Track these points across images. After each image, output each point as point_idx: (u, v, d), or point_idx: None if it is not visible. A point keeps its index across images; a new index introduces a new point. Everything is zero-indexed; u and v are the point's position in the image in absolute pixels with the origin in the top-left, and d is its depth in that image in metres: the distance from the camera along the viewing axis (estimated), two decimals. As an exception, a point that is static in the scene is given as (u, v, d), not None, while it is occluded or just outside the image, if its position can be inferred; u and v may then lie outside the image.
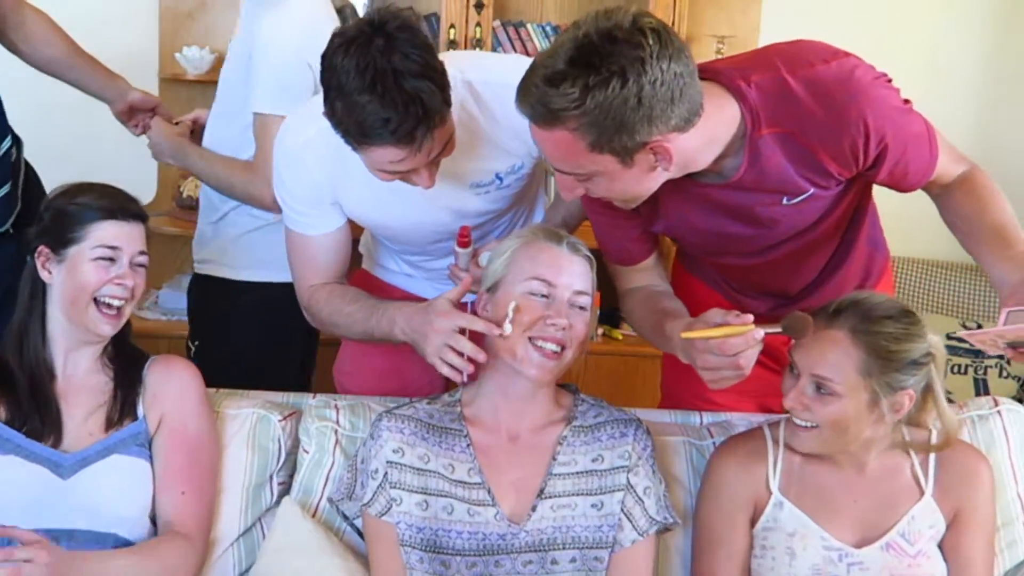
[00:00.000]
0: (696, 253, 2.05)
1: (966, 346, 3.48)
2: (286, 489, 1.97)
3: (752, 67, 1.69)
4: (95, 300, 1.81)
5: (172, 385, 1.89)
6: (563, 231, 1.86)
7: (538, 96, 1.54)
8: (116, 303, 1.82)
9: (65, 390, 1.84)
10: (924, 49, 3.64)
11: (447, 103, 1.71)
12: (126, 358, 1.91)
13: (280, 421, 1.98)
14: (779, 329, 1.70)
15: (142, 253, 1.85)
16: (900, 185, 1.81)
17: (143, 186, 2.50)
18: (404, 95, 1.64)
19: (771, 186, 1.74)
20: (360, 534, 1.88)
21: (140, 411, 1.86)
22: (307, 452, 1.96)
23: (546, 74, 1.53)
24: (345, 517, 1.90)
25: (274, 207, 2.20)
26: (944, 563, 1.80)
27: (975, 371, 3.49)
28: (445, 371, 1.80)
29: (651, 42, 1.50)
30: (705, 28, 3.54)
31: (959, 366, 3.49)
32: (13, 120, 2.33)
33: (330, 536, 1.88)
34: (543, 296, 1.77)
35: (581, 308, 1.79)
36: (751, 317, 1.64)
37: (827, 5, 3.71)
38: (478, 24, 3.29)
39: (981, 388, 3.47)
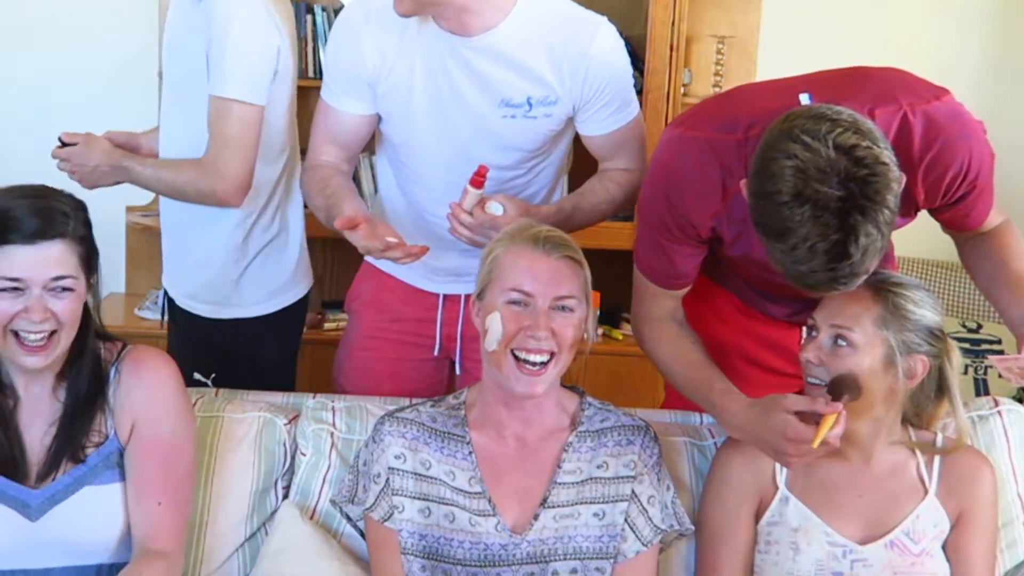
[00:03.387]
0: (756, 271, 1.95)
1: (966, 346, 3.49)
2: (287, 493, 1.95)
3: (874, 100, 1.67)
4: (15, 333, 1.63)
5: (142, 388, 1.74)
6: (545, 227, 1.79)
7: None
8: (32, 337, 1.63)
9: (31, 415, 1.71)
10: (924, 49, 3.63)
11: None
12: (83, 377, 1.72)
13: (286, 425, 1.97)
14: (846, 399, 1.70)
15: (60, 278, 1.62)
16: (957, 224, 1.84)
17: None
18: None
19: None
20: (363, 535, 1.86)
21: (108, 428, 1.73)
22: (304, 455, 1.95)
23: None
24: (348, 518, 1.88)
25: (226, 200, 2.14)
26: (947, 563, 1.80)
27: (975, 371, 3.49)
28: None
29: None
30: (705, 28, 3.54)
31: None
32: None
33: (328, 539, 1.87)
34: (524, 306, 1.73)
35: (567, 310, 1.74)
36: (839, 406, 1.65)
37: (827, 5, 3.71)
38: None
39: (981, 388, 3.46)
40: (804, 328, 1.82)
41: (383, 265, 2.22)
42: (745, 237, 1.80)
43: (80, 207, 1.71)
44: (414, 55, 1.98)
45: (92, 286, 1.73)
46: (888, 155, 1.49)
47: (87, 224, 1.71)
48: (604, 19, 2.02)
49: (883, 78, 1.74)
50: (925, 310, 1.77)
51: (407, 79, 2.00)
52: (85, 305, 1.72)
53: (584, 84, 1.97)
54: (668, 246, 1.83)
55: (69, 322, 1.66)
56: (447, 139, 2.03)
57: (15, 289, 1.61)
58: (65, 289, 1.64)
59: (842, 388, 1.71)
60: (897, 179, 1.50)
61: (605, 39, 1.98)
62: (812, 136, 1.47)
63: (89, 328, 1.75)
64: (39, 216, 1.63)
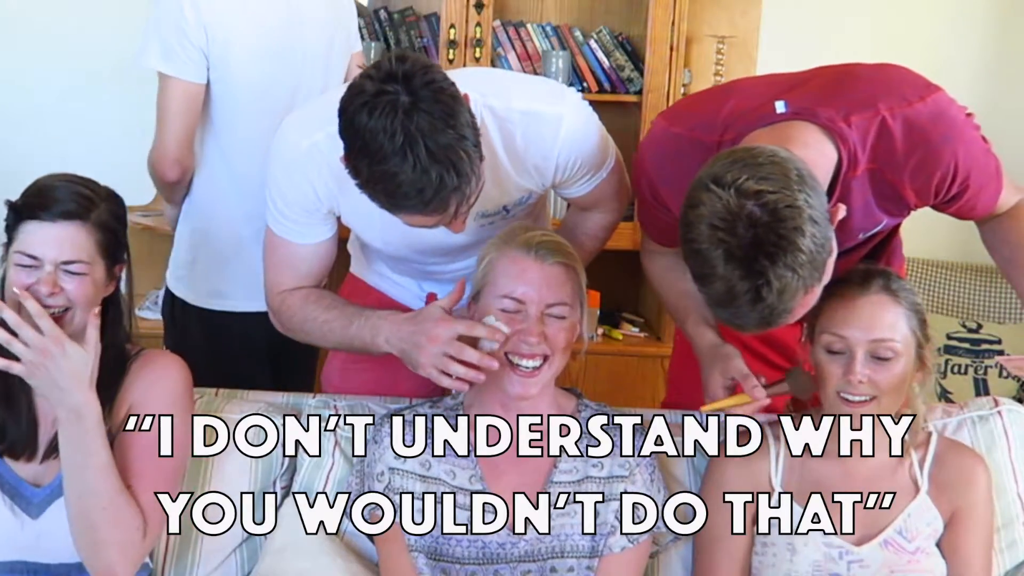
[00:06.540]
0: None
1: (966, 346, 3.49)
2: (287, 492, 1.96)
3: (851, 106, 1.67)
4: None
5: (142, 379, 1.76)
6: (539, 232, 1.79)
7: None
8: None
9: (47, 405, 1.71)
10: (924, 49, 3.63)
11: (481, 157, 1.59)
12: (103, 370, 1.71)
13: (282, 424, 1.97)
14: (786, 388, 1.77)
15: (72, 262, 1.67)
16: (964, 216, 1.85)
17: (143, 184, 2.47)
18: (437, 164, 1.52)
19: (853, 224, 1.74)
20: (369, 536, 1.87)
21: (106, 422, 1.70)
22: (307, 453, 1.95)
23: None
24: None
25: (161, 173, 2.23)
26: (943, 561, 1.80)
27: (975, 371, 3.49)
28: (445, 383, 1.74)
29: None
30: (705, 28, 3.54)
31: (959, 366, 3.48)
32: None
33: (331, 536, 1.87)
34: (516, 312, 1.74)
35: (559, 317, 1.75)
36: (761, 402, 1.74)
37: (827, 5, 3.71)
38: (478, 24, 3.28)
39: (981, 388, 3.46)
40: (824, 352, 1.75)
41: (371, 279, 2.21)
42: None
43: (112, 197, 1.77)
44: None
45: (118, 278, 1.78)
46: (804, 197, 1.46)
47: (117, 217, 1.76)
48: (566, 99, 1.85)
49: (869, 79, 1.73)
50: (916, 295, 1.78)
51: (373, 206, 1.68)
52: (117, 299, 1.78)
53: (556, 172, 1.87)
54: (658, 219, 1.89)
55: (81, 303, 1.68)
56: (426, 241, 1.90)
57: (31, 266, 1.67)
58: (77, 273, 1.68)
59: (800, 389, 1.78)
60: (812, 218, 1.46)
61: (570, 126, 1.82)
62: (719, 184, 1.47)
63: (118, 322, 1.79)
64: (63, 198, 1.69)
